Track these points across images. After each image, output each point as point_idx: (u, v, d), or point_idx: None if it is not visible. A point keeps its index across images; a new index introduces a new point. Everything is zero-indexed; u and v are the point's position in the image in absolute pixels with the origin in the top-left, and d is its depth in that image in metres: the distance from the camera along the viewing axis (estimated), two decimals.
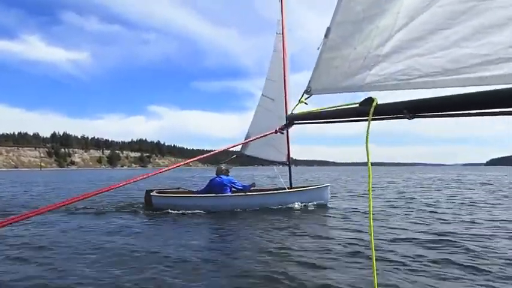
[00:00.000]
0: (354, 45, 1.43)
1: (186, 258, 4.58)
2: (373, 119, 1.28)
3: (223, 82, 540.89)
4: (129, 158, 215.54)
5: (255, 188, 9.87)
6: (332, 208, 9.54)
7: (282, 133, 1.66)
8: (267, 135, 1.75)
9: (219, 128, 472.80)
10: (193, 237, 6.01)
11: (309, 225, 7.04)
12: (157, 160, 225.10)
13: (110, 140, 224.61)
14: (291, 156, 10.92)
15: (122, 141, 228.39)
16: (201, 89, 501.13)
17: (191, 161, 2.16)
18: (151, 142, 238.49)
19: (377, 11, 1.38)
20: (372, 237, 1.46)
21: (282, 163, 11.03)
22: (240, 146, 11.24)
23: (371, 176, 1.33)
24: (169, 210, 8.81)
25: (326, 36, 1.51)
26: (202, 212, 8.71)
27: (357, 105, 1.34)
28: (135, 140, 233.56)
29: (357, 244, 5.27)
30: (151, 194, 9.46)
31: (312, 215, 8.63)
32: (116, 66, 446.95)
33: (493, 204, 10.53)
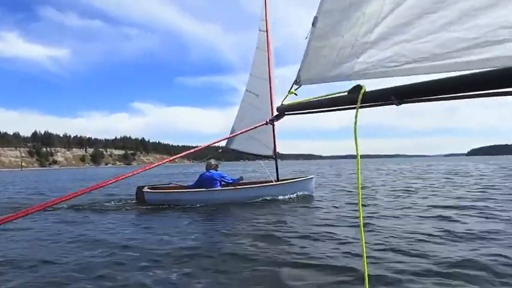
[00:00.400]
0: (341, 33, 1.42)
1: (183, 247, 4.76)
2: (361, 107, 1.28)
3: (208, 77, 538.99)
4: (113, 156, 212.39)
5: (243, 181, 10.16)
6: (316, 198, 10.05)
7: (273, 124, 1.66)
8: (257, 127, 1.74)
9: (204, 124, 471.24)
10: (188, 230, 6.19)
11: (295, 215, 7.39)
12: (142, 157, 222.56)
13: (93, 137, 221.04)
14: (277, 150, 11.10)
15: (105, 139, 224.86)
16: (186, 85, 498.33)
17: (178, 157, 2.14)
18: (136, 139, 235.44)
19: None
20: (362, 228, 1.47)
21: (269, 157, 11.23)
22: (225, 141, 11.37)
23: (359, 163, 1.33)
24: (162, 205, 8.99)
25: (313, 25, 1.50)
26: (194, 206, 8.93)
27: (345, 93, 1.34)
28: (118, 137, 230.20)
29: (338, 232, 5.62)
30: (144, 190, 9.51)
31: (298, 205, 8.98)
32: (98, 62, 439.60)
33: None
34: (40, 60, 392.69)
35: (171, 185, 10.58)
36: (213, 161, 9.84)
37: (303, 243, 4.89)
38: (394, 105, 1.26)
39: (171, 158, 2.05)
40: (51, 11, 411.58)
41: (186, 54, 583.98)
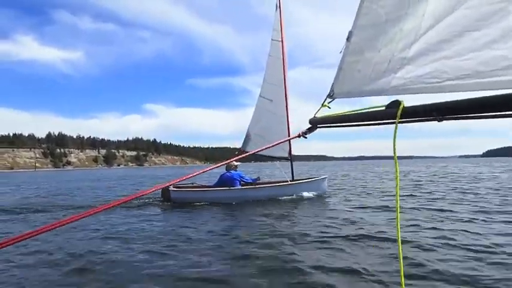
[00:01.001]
0: (377, 48, 1.42)
1: (213, 241, 5.29)
2: (400, 122, 1.28)
3: (220, 79, 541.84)
4: (125, 157, 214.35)
5: (260, 181, 10.82)
6: (329, 197, 10.66)
7: (305, 137, 1.66)
8: (290, 139, 1.78)
9: (216, 125, 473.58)
10: (215, 224, 6.76)
11: (310, 213, 7.84)
12: (153, 158, 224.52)
13: (105, 139, 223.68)
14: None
15: (117, 140, 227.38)
16: (197, 87, 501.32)
17: (234, 160, 2.53)
18: (148, 140, 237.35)
19: (401, 14, 1.37)
20: (398, 227, 1.47)
21: (283, 158, 11.64)
22: (241, 143, 11.93)
23: (398, 177, 1.34)
24: (186, 203, 9.61)
25: (348, 39, 1.50)
26: (216, 203, 9.60)
27: (383, 108, 1.33)
28: (131, 138, 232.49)
29: (359, 227, 6.12)
30: (169, 189, 9.99)
31: (312, 203, 9.58)
32: (111, 64, 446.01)
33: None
34: (54, 63, 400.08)
35: (194, 184, 11.16)
36: (233, 162, 10.11)
37: (315, 243, 5.06)
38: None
39: (220, 164, 2.17)
40: (65, 14, 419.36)
41: (197, 55, 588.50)
